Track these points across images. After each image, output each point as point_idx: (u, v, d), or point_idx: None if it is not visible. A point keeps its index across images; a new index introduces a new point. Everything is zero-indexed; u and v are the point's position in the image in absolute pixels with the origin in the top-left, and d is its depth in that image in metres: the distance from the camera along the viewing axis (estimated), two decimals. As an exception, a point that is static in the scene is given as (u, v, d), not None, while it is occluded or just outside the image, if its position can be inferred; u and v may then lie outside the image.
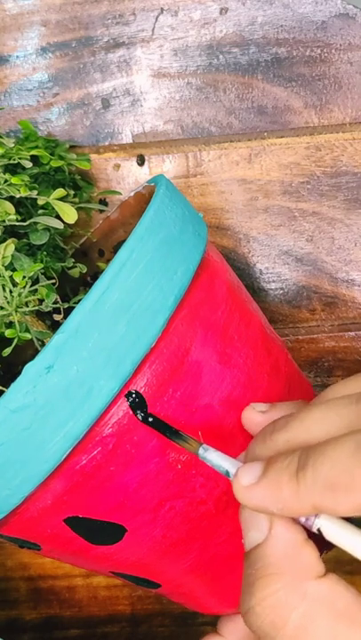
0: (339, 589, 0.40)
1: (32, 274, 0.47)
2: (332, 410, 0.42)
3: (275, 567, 0.40)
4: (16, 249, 0.47)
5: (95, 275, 0.60)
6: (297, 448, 0.40)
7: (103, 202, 0.63)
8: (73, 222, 0.50)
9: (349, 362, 0.64)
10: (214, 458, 0.43)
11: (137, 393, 0.43)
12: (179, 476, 0.45)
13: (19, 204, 0.51)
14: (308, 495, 0.38)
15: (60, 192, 0.50)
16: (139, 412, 0.44)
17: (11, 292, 0.46)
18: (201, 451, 0.44)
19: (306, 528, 0.40)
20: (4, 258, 0.46)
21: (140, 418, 0.44)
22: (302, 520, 0.40)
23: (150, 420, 0.44)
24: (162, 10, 0.60)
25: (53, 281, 0.49)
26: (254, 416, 0.47)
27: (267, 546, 0.41)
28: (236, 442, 0.47)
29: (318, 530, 0.39)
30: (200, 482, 0.46)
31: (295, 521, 0.41)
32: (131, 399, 0.43)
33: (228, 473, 0.43)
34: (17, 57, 0.62)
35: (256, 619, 0.40)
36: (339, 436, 0.39)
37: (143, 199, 0.55)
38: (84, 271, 0.55)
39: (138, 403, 0.43)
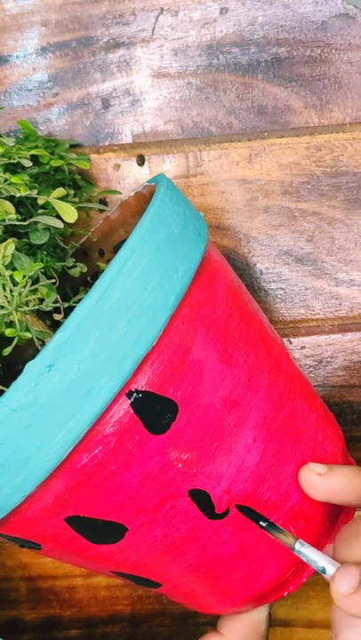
0: None
1: (32, 273, 0.47)
2: None
3: None
4: (16, 248, 0.47)
5: (95, 274, 0.60)
6: None
7: (103, 202, 0.63)
8: (73, 222, 0.50)
9: (350, 362, 0.64)
10: (311, 554, 0.47)
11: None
12: (180, 475, 0.45)
13: (19, 203, 0.51)
14: None
15: (60, 191, 0.50)
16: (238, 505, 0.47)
17: (11, 291, 0.46)
18: (298, 545, 0.47)
19: None
20: (4, 257, 0.46)
21: (238, 509, 0.47)
22: None
23: (246, 510, 0.47)
24: (162, 10, 0.60)
25: (54, 280, 0.49)
26: (312, 478, 0.49)
27: None
28: (237, 441, 0.47)
29: None
30: (202, 480, 0.46)
31: None
32: (132, 398, 0.43)
33: (324, 570, 0.46)
34: (17, 57, 0.62)
35: None
36: None
37: (143, 199, 0.55)
38: (85, 271, 0.55)
39: None
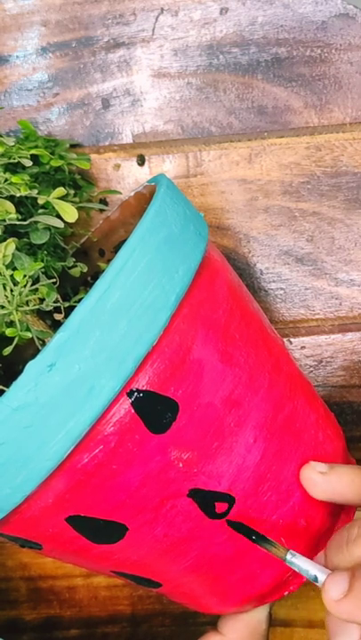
0: None
1: (33, 273, 0.47)
2: None
3: None
4: (17, 248, 0.47)
5: (96, 275, 0.60)
6: None
7: (103, 201, 0.63)
8: (73, 221, 0.50)
9: (350, 362, 0.64)
10: (302, 563, 0.47)
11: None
12: (181, 475, 0.45)
13: (19, 203, 0.51)
14: None
15: (61, 191, 0.50)
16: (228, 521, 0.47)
17: (12, 290, 0.46)
18: (289, 556, 0.47)
19: None
20: (4, 257, 0.46)
21: (229, 524, 0.47)
22: None
23: (237, 525, 0.47)
24: (162, 10, 0.60)
25: (54, 280, 0.49)
26: (314, 476, 0.50)
27: None
28: (238, 440, 0.47)
29: None
30: (202, 480, 0.46)
31: None
32: (133, 398, 0.43)
33: (316, 578, 0.46)
34: (17, 57, 0.62)
35: None
36: None
37: (144, 199, 0.55)
38: (85, 270, 0.55)
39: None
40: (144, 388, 0.43)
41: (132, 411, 0.43)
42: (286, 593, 0.53)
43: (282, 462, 0.49)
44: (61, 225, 0.50)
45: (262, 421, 0.48)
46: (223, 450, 0.47)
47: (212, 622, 0.58)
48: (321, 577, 0.46)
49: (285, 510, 0.49)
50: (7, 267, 0.46)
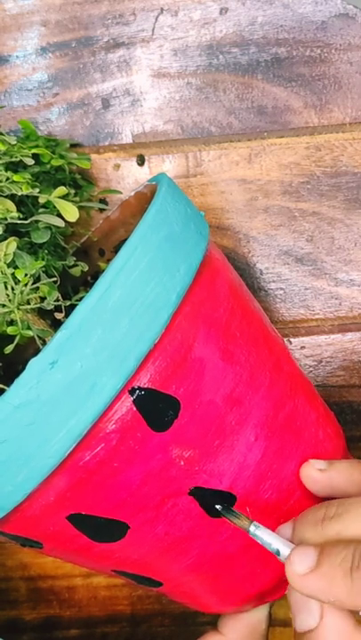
0: None
1: (34, 271, 0.47)
2: None
3: None
4: (18, 247, 0.47)
5: (96, 274, 0.60)
6: (349, 541, 0.43)
7: (103, 201, 0.63)
8: (74, 220, 0.50)
9: (350, 362, 0.64)
10: (265, 536, 0.46)
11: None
12: (182, 473, 0.45)
13: (20, 202, 0.51)
14: None
15: (62, 190, 0.50)
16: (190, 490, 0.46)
17: (13, 289, 0.46)
18: (252, 528, 0.46)
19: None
20: (6, 255, 0.46)
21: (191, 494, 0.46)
22: None
23: (202, 495, 0.46)
24: (162, 10, 0.60)
25: (55, 279, 0.49)
26: (313, 473, 0.49)
27: (319, 632, 0.44)
28: (239, 438, 0.47)
29: None
30: (203, 478, 0.46)
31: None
32: (135, 395, 0.43)
33: (278, 552, 0.45)
34: (17, 57, 0.62)
35: None
36: None
37: (144, 198, 0.55)
38: (86, 269, 0.55)
39: None
40: (146, 386, 0.43)
41: (134, 408, 0.43)
42: (286, 592, 0.53)
43: (283, 460, 0.49)
44: (62, 224, 0.50)
45: (263, 420, 0.48)
46: (224, 448, 0.47)
47: (212, 622, 0.58)
48: (284, 551, 0.45)
49: (287, 508, 0.49)
50: (8, 265, 0.47)
